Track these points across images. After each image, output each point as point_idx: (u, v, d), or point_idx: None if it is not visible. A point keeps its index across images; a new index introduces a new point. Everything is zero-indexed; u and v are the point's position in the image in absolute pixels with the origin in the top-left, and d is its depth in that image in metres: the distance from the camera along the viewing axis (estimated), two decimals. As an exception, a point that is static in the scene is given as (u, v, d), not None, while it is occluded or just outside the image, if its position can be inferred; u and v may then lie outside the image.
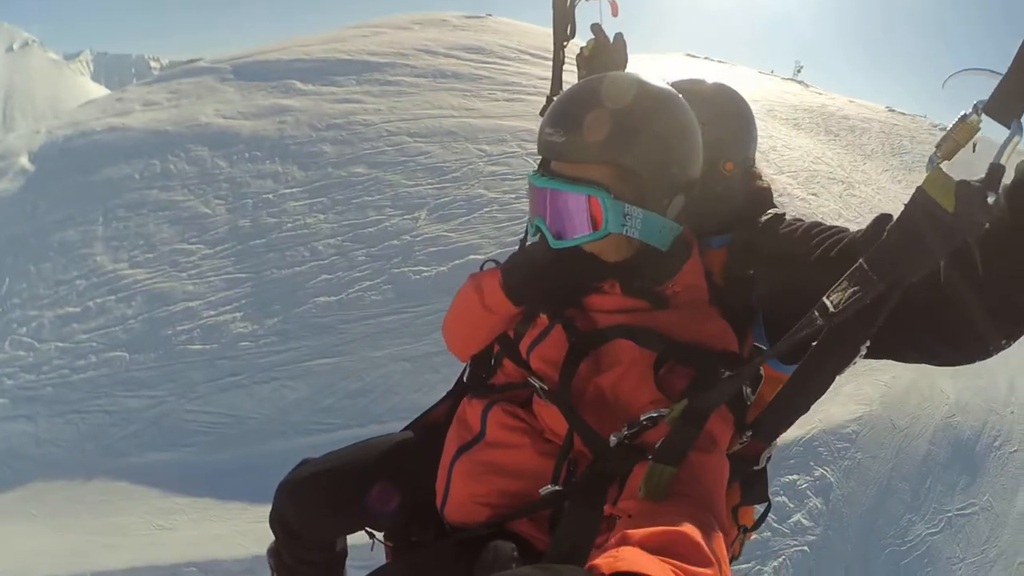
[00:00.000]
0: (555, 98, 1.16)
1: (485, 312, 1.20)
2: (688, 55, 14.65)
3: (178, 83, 8.37)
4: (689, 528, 0.73)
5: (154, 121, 6.97)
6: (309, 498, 1.35)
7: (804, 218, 1.25)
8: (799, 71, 17.35)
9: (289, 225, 4.94)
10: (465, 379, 1.41)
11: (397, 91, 7.18)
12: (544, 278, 1.12)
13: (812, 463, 3.41)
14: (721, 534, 0.78)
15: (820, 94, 12.29)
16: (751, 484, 1.27)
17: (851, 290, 0.81)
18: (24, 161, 7.14)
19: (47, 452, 3.87)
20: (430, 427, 1.42)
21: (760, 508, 1.41)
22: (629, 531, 0.73)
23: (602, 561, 0.66)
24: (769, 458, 1.24)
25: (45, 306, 4.86)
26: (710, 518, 0.79)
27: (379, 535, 1.43)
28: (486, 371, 1.31)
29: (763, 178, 1.39)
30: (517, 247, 1.38)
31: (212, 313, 4.30)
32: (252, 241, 4.83)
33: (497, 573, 0.64)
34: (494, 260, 1.28)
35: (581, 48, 1.49)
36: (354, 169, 5.55)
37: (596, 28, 1.46)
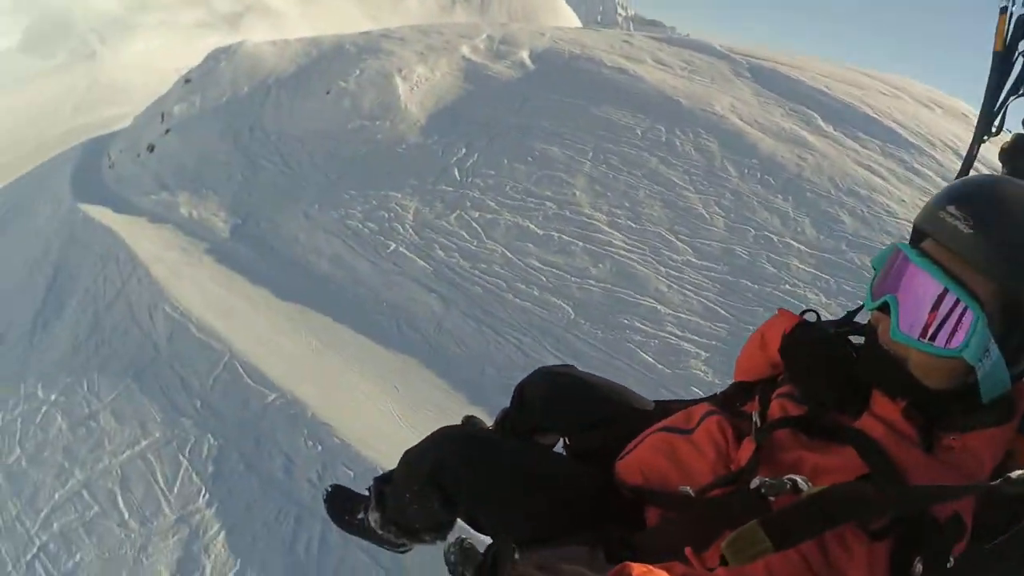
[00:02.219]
0: (969, 177, 1.18)
1: (760, 343, 1.30)
2: None
3: (690, 55, 8.09)
4: None
5: (667, 84, 6.74)
6: (548, 384, 1.63)
7: None
8: None
9: (786, 286, 4.17)
10: (720, 392, 1.44)
11: (922, 186, 6.04)
12: (818, 366, 1.14)
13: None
14: None
15: None
16: None
17: None
18: (525, 56, 7.32)
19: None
20: (669, 411, 1.42)
21: None
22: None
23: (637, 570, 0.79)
24: None
25: (505, 206, 4.76)
26: None
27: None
28: (741, 399, 1.34)
29: None
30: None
31: (676, 332, 3.74)
32: (742, 279, 4.17)
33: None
34: (814, 311, 1.32)
35: (1004, 144, 1.54)
36: (868, 261, 4.58)
37: None
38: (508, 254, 4.31)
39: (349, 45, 8.52)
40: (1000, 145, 1.48)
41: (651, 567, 0.80)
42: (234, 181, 6.70)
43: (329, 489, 2.04)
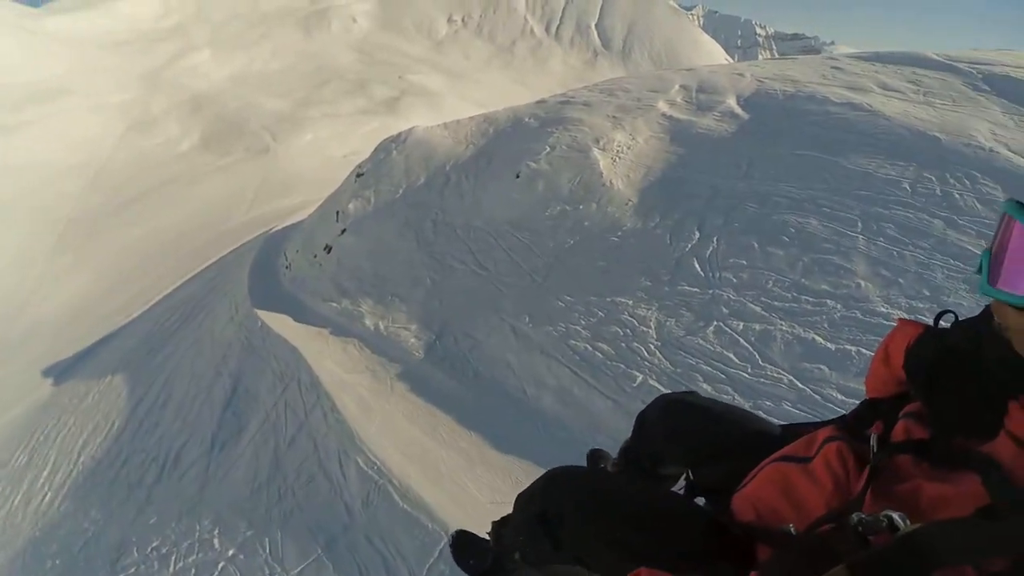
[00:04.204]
0: None
1: (883, 358, 1.29)
2: None
3: (912, 72, 7.07)
4: None
5: (911, 117, 5.81)
6: (668, 415, 1.64)
7: None
8: None
9: None
10: (850, 413, 1.39)
11: None
12: (945, 382, 1.10)
13: None
14: None
15: None
16: None
17: None
18: (732, 103, 6.60)
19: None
20: (799, 436, 1.37)
21: None
22: None
23: None
24: None
25: (775, 310, 4.01)
26: None
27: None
28: (870, 420, 1.27)
29: None
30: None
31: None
32: None
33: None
34: (952, 312, 1.25)
35: None
36: None
37: None
38: (798, 383, 3.52)
39: (528, 118, 8.18)
40: None
41: (664, 573, 0.90)
42: (421, 286, 6.37)
43: (454, 535, 2.13)
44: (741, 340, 3.88)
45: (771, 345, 3.78)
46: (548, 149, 6.99)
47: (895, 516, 0.89)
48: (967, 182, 4.83)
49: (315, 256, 8.66)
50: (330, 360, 5.62)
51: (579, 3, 52.18)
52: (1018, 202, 0.94)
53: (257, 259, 10.57)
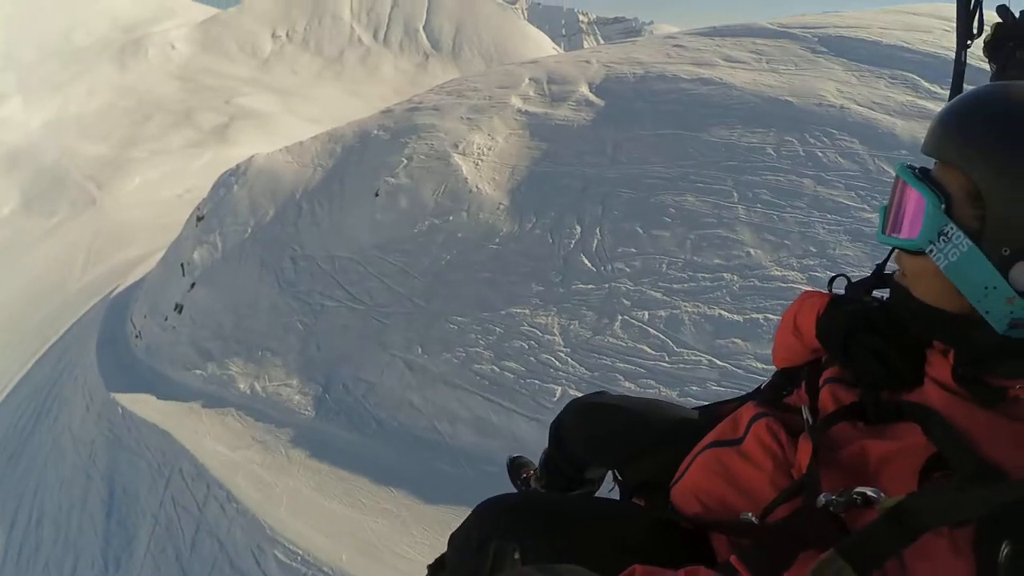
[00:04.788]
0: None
1: (793, 331, 1.28)
2: None
3: (752, 42, 7.50)
4: None
5: (761, 85, 6.09)
6: (582, 421, 1.67)
7: None
8: None
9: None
10: (765, 385, 1.43)
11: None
12: (863, 345, 1.10)
13: None
14: None
15: None
16: None
17: None
18: (585, 91, 6.64)
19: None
20: (716, 416, 1.43)
21: None
22: None
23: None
24: None
25: (675, 292, 3.99)
26: None
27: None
28: (787, 388, 1.32)
29: None
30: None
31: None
32: None
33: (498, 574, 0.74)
34: (844, 275, 1.33)
35: (985, 38, 1.78)
36: None
37: (1002, 9, 1.77)
38: (717, 361, 3.51)
39: (377, 130, 7.84)
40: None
41: (659, 569, 0.89)
42: (293, 333, 5.89)
43: None
44: (650, 330, 3.83)
45: (681, 329, 3.75)
46: (405, 161, 6.73)
47: (868, 492, 0.89)
48: (826, 140, 5.08)
49: (166, 319, 7.91)
50: (210, 438, 5.06)
51: (404, 6, 51.95)
52: (907, 165, 1.02)
53: (103, 331, 9.57)
